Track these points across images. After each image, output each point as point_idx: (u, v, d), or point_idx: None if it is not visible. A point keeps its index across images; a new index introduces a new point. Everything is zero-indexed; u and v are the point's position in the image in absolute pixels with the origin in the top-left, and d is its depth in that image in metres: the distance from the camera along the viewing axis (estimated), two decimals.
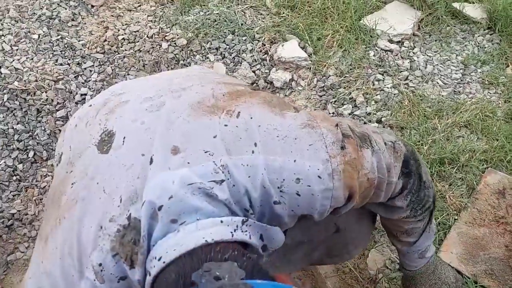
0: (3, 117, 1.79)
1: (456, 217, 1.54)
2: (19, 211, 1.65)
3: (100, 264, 0.71)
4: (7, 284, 1.58)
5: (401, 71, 1.90)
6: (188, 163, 0.71)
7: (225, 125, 0.75)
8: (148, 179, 0.71)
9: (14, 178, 1.73)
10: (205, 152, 0.72)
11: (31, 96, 1.82)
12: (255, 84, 1.94)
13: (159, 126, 0.77)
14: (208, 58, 1.99)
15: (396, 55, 1.96)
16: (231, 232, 0.68)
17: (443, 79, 1.90)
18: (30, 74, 1.85)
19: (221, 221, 0.68)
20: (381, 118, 1.75)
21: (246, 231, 0.70)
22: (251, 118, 0.77)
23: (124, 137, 0.77)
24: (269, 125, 0.77)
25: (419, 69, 1.92)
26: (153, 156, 0.72)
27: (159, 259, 0.66)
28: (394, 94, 1.81)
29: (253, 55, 1.99)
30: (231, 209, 0.71)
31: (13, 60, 1.88)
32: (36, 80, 1.84)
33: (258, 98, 0.82)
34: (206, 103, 0.80)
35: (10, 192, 1.69)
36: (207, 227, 0.67)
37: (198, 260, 0.64)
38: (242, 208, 0.72)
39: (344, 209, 0.83)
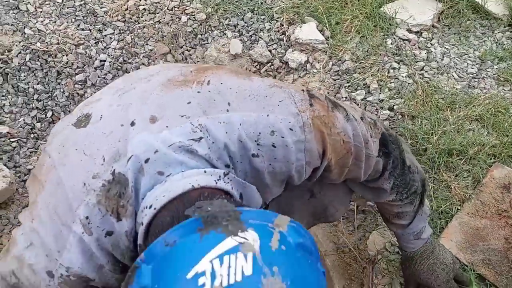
0: (24, 76, 1.84)
1: (459, 207, 1.56)
2: (35, 167, 1.71)
3: (87, 217, 0.74)
4: None
5: (417, 61, 1.91)
6: (167, 126, 0.76)
7: (198, 92, 0.81)
8: (129, 139, 0.75)
9: (32, 136, 1.78)
10: (182, 116, 0.77)
11: (52, 58, 1.86)
12: (270, 63, 1.96)
13: (133, 101, 0.82)
14: (225, 34, 2.02)
15: (414, 45, 1.97)
16: (215, 180, 0.73)
17: (459, 72, 1.91)
18: (52, 37, 1.89)
19: (205, 171, 0.73)
20: (394, 105, 1.77)
21: (228, 182, 0.75)
22: (221, 83, 0.83)
23: (101, 115, 0.82)
24: (239, 87, 0.83)
25: (436, 60, 1.93)
26: (134, 120, 0.78)
27: (150, 207, 0.70)
28: (409, 83, 1.83)
29: (270, 35, 2.00)
30: (212, 163, 0.76)
31: (37, 22, 1.92)
32: (58, 43, 1.88)
33: (225, 69, 0.89)
34: (176, 79, 0.85)
35: (27, 149, 1.75)
36: (192, 176, 0.72)
37: (189, 202, 0.68)
38: (223, 164, 0.77)
39: (320, 169, 0.87)
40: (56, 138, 0.84)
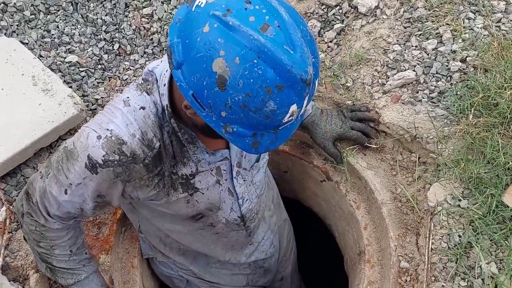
0: (93, 7, 1.86)
1: None
2: (102, 97, 1.76)
3: (128, 97, 1.13)
4: None
5: (495, 13, 1.80)
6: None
7: None
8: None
9: (99, 66, 1.82)
10: None
11: None
12: (338, 7, 1.91)
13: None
14: None
15: None
16: None
17: None
18: None
19: None
20: (466, 57, 1.70)
21: None
22: None
23: None
24: None
25: None
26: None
27: (166, 71, 1.12)
28: (484, 35, 1.74)
29: None
30: None
31: None
32: None
33: None
34: None
35: (95, 79, 1.80)
36: None
37: None
38: None
39: None
40: None
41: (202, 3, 0.91)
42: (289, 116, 0.94)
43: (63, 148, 1.16)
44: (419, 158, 1.69)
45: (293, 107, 0.93)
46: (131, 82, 1.80)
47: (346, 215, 1.84)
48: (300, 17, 0.97)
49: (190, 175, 1.24)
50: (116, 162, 1.10)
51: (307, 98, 0.94)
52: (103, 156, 1.09)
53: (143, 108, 1.11)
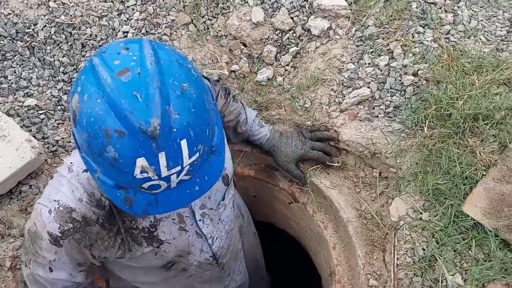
0: (50, 49, 1.88)
1: (484, 173, 1.54)
2: (63, 138, 1.76)
3: (71, 162, 1.13)
4: None
5: (443, 25, 1.85)
6: None
7: None
8: None
9: (59, 107, 1.83)
10: None
11: (77, 30, 1.89)
12: (292, 31, 1.94)
13: None
14: (247, 2, 2.00)
15: (440, 8, 1.90)
16: None
17: (487, 35, 1.84)
18: (76, 9, 1.91)
19: None
20: (418, 71, 1.73)
21: None
22: None
23: None
24: None
25: (463, 23, 1.86)
26: None
27: None
28: (434, 48, 1.78)
29: (292, 2, 1.97)
30: None
31: None
32: (82, 15, 1.90)
33: None
34: None
35: (55, 121, 1.80)
36: None
37: None
38: None
39: None
40: None
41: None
42: (141, 172, 0.86)
43: (27, 232, 1.16)
44: (380, 173, 1.70)
45: (141, 161, 0.85)
46: None
47: (316, 236, 1.84)
48: (187, 75, 0.90)
49: (151, 226, 1.21)
50: (72, 230, 1.11)
51: (163, 156, 0.85)
52: (59, 228, 1.10)
53: (86, 170, 1.10)
